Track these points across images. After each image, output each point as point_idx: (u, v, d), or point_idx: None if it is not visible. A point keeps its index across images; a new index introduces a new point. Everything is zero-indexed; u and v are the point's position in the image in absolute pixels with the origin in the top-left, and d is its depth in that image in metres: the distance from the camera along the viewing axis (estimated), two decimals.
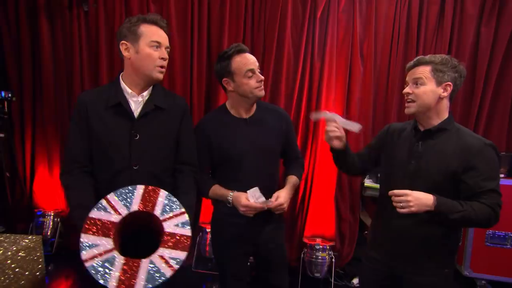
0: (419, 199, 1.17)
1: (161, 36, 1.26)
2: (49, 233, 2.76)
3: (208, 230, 2.58)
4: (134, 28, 1.23)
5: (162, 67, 1.27)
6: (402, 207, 1.19)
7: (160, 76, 1.27)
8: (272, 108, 1.63)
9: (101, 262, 0.77)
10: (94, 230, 0.79)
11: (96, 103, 1.25)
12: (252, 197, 1.38)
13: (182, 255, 0.86)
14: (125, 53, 1.24)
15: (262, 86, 1.46)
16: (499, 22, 2.56)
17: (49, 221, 2.76)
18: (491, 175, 1.22)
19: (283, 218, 1.66)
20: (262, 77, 1.46)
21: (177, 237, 0.88)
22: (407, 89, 1.31)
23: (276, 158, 1.61)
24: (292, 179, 1.57)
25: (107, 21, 2.63)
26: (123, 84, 1.27)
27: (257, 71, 1.45)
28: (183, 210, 0.92)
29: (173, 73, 2.65)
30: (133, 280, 0.77)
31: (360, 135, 2.69)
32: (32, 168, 2.85)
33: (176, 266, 0.84)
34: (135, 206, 0.87)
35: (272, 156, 1.57)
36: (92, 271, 0.75)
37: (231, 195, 1.43)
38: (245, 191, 1.41)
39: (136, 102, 1.27)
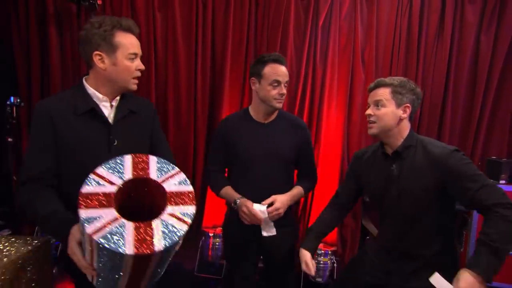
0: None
1: (138, 46, 1.18)
2: None
3: (211, 234, 2.61)
4: (109, 37, 1.10)
5: (138, 77, 1.20)
6: None
7: (136, 87, 1.20)
8: (293, 119, 1.66)
9: (110, 231, 0.70)
10: (92, 204, 0.72)
11: (61, 110, 1.12)
12: (257, 208, 1.44)
13: (192, 208, 0.82)
14: (100, 65, 1.12)
15: (282, 100, 1.51)
16: (499, 29, 2.59)
17: None
18: (473, 174, 1.19)
19: (293, 223, 1.70)
20: (285, 92, 1.51)
21: (182, 194, 0.83)
22: (368, 111, 1.35)
23: (288, 167, 1.61)
24: (295, 189, 1.59)
25: None
26: (91, 90, 1.16)
27: (284, 84, 1.50)
28: (178, 169, 0.87)
29: (178, 79, 2.70)
30: (149, 241, 0.71)
31: (361, 137, 2.72)
32: None
33: (189, 220, 0.79)
34: (128, 174, 0.80)
35: (283, 164, 1.58)
36: (104, 241, 0.68)
37: (239, 198, 1.50)
38: (253, 194, 1.49)
39: (108, 108, 1.19)
